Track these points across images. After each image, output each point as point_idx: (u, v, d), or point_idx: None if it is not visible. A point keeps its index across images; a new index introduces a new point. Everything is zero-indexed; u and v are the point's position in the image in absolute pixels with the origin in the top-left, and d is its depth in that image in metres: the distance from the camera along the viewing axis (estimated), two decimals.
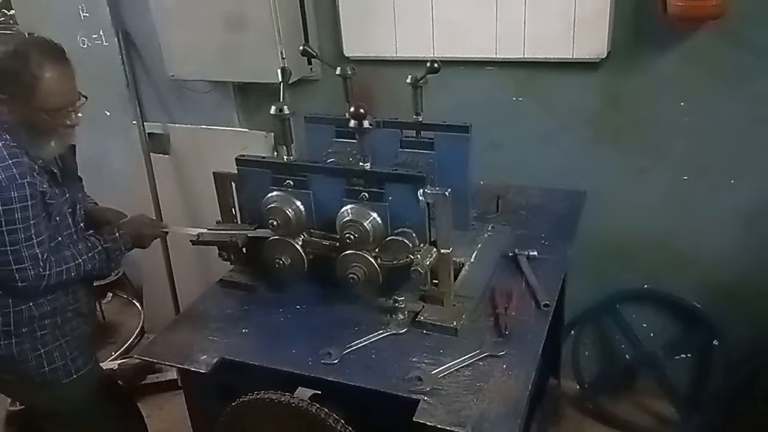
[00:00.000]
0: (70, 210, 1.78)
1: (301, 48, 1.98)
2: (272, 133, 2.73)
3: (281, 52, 2.35)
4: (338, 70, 1.89)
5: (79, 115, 1.69)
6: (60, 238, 1.72)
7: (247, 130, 2.81)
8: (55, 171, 1.73)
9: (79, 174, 1.92)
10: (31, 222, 1.61)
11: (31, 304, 1.72)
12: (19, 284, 1.63)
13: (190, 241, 1.79)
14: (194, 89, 2.78)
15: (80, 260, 1.72)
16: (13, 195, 1.57)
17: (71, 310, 1.82)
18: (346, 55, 2.45)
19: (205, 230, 1.78)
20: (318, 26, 2.50)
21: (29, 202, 1.59)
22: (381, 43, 2.38)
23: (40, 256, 1.63)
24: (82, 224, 1.84)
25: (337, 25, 2.44)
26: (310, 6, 2.46)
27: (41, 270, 1.64)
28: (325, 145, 1.97)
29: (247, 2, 2.33)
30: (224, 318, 1.70)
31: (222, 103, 2.80)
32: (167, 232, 1.99)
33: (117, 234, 1.82)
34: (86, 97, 1.70)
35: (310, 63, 2.53)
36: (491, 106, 2.31)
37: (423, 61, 1.83)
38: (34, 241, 1.62)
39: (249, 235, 1.74)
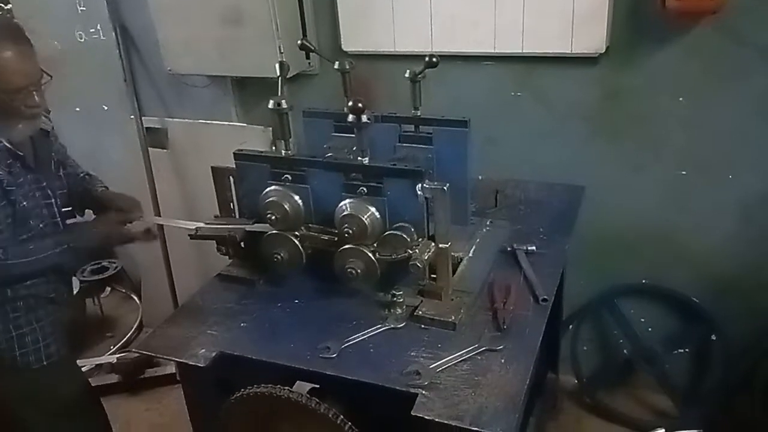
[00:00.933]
0: (45, 201, 1.75)
1: (299, 42, 1.98)
2: (270, 128, 2.72)
3: (279, 47, 2.35)
4: (336, 65, 1.89)
5: (43, 96, 1.64)
6: (31, 225, 1.69)
7: (245, 124, 2.81)
8: (22, 154, 1.68)
9: (68, 162, 1.92)
10: None
11: (5, 287, 1.70)
12: None
13: (188, 235, 1.78)
14: (192, 84, 2.77)
15: (43, 255, 1.68)
16: None
17: (46, 298, 1.80)
18: (344, 49, 2.45)
19: (203, 224, 1.78)
20: (316, 20, 2.49)
21: None
22: (379, 38, 2.37)
23: None
24: (59, 218, 1.80)
25: (335, 19, 2.43)
26: (308, 0, 2.45)
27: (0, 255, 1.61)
28: (323, 139, 1.96)
29: None
30: (223, 312, 1.70)
31: (220, 98, 2.79)
32: (149, 231, 1.91)
33: (88, 232, 1.79)
34: (51, 76, 1.65)
35: (308, 57, 2.52)
36: (490, 100, 2.31)
37: (421, 56, 1.83)
38: None
39: (247, 229, 1.73)
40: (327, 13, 2.46)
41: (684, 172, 2.22)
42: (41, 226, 1.73)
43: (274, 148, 2.71)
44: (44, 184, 1.75)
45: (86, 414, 2.04)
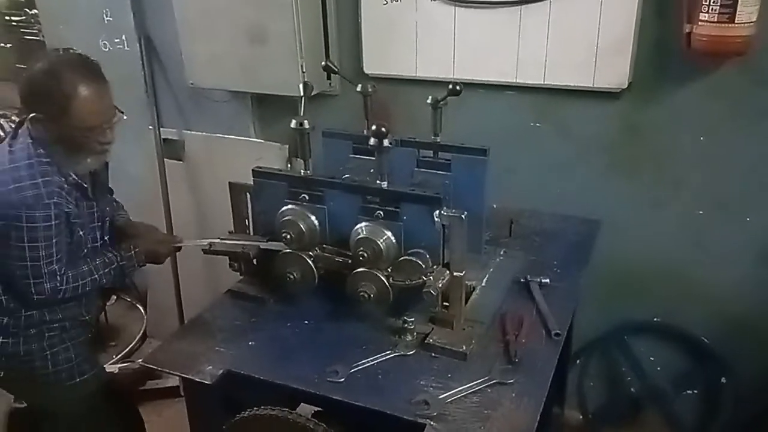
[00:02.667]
0: (99, 224, 1.79)
1: (323, 63, 1.99)
2: (287, 146, 2.74)
3: (302, 66, 2.36)
4: (359, 87, 1.90)
5: (114, 131, 1.68)
6: (85, 251, 1.74)
7: (262, 141, 2.82)
8: (86, 185, 1.72)
9: (109, 185, 1.93)
10: (53, 240, 1.62)
11: (44, 310, 1.73)
12: (35, 297, 1.65)
13: (202, 249, 1.78)
14: (212, 98, 2.79)
15: (96, 276, 1.73)
16: (38, 214, 1.57)
17: (80, 319, 1.84)
18: (366, 72, 2.46)
19: (217, 240, 1.78)
20: (339, 42, 2.51)
21: (53, 222, 1.60)
22: (401, 62, 2.38)
23: (57, 271, 1.64)
24: (107, 237, 1.85)
25: (358, 41, 2.45)
26: (332, 21, 2.47)
27: (58, 284, 1.65)
28: (341, 160, 1.96)
29: (270, 15, 2.34)
30: (231, 329, 1.68)
31: (239, 113, 2.81)
32: (180, 248, 1.97)
33: (132, 251, 1.82)
34: (122, 112, 1.69)
35: (329, 78, 2.53)
36: (509, 130, 2.30)
37: (442, 82, 1.83)
38: (54, 258, 1.63)
39: (261, 246, 1.73)
40: (351, 35, 2.47)
41: (701, 212, 2.20)
42: (89, 248, 1.76)
43: (289, 165, 2.73)
44: (96, 209, 1.79)
45: (119, 422, 2.08)
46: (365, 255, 1.56)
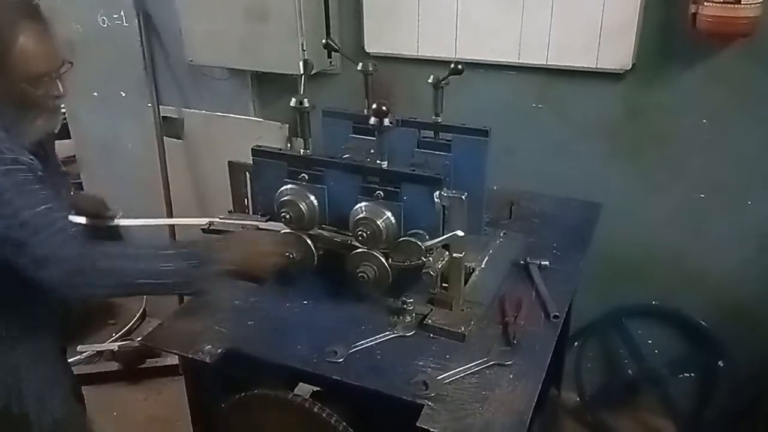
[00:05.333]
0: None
1: (323, 41, 1.96)
2: (287, 125, 2.72)
3: (302, 44, 2.34)
4: (360, 66, 1.87)
5: (65, 83, 1.40)
6: None
7: (261, 119, 2.80)
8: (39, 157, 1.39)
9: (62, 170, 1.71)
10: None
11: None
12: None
13: (201, 229, 1.77)
14: (211, 75, 2.77)
15: (142, 264, 1.39)
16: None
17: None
18: (367, 50, 2.43)
19: (216, 219, 1.77)
20: (340, 20, 2.48)
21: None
22: (403, 41, 2.36)
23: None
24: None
25: (359, 19, 2.42)
26: None
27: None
28: (341, 139, 1.94)
29: None
30: (231, 309, 1.68)
31: (238, 91, 2.78)
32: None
33: (220, 253, 1.44)
34: (71, 63, 1.42)
35: (330, 56, 2.51)
36: (510, 110, 2.28)
37: (444, 62, 1.80)
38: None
39: (260, 226, 1.72)
40: (352, 13, 2.44)
41: (702, 195, 2.19)
42: None
43: (289, 145, 2.71)
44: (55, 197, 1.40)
45: None
46: (364, 235, 1.55)
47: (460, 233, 1.49)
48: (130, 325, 3.17)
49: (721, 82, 2.02)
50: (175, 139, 2.95)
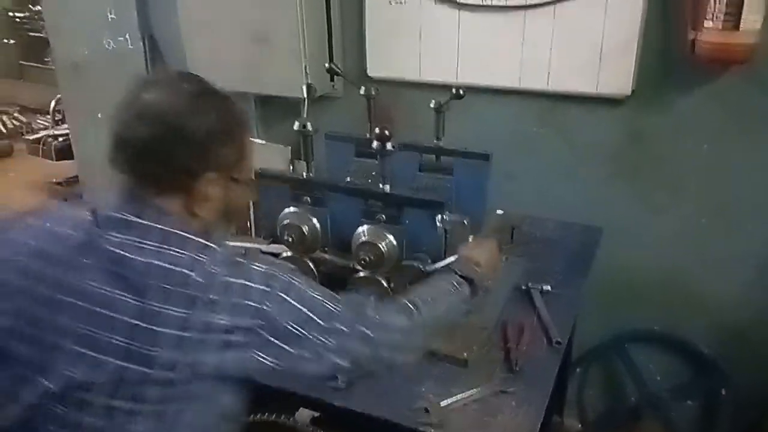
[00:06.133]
0: None
1: (327, 66, 1.99)
2: (289, 147, 2.73)
3: (305, 68, 2.36)
4: (362, 90, 1.89)
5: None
6: None
7: (264, 141, 2.81)
8: None
9: None
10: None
11: None
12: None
13: None
14: None
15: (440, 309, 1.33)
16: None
17: None
18: (369, 74, 2.45)
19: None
20: (343, 44, 2.51)
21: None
22: (405, 65, 2.38)
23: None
24: None
25: (362, 43, 2.45)
26: (336, 23, 2.46)
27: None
28: (343, 163, 1.96)
29: (274, 16, 2.34)
30: None
31: None
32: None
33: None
34: None
35: (332, 80, 2.53)
36: (511, 135, 2.30)
37: (446, 86, 1.82)
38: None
39: (263, 249, 1.72)
40: (354, 37, 2.47)
41: (703, 220, 2.19)
42: None
43: (292, 167, 2.72)
44: None
45: None
46: (367, 259, 1.55)
47: None
48: None
49: (720, 106, 2.03)
50: None
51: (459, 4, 2.21)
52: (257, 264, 1.11)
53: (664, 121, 2.12)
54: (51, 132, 4.10)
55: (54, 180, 4.55)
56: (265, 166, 1.77)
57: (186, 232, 1.07)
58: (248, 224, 1.84)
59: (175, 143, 1.05)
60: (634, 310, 2.40)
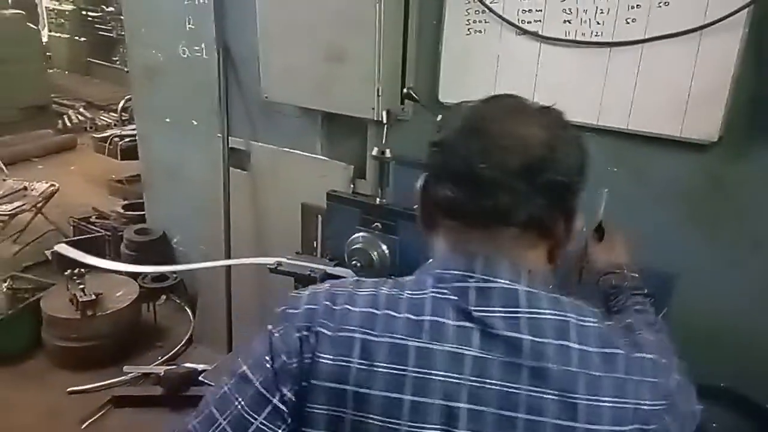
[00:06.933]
0: None
1: (404, 90, 1.97)
2: (352, 166, 2.73)
3: (378, 90, 2.35)
4: (439, 117, 1.86)
5: None
6: None
7: (327, 158, 2.81)
8: None
9: None
10: None
11: None
12: None
13: (269, 269, 1.77)
14: (283, 112, 2.81)
15: None
16: None
17: None
18: (441, 100, 2.43)
19: (284, 259, 1.76)
20: (417, 67, 2.49)
21: None
22: (479, 94, 2.31)
23: None
24: None
25: (436, 68, 2.42)
26: (412, 47, 2.45)
27: None
28: (409, 188, 1.93)
29: (351, 35, 2.34)
30: None
31: (307, 129, 2.81)
32: None
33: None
34: None
35: (402, 102, 2.51)
36: None
37: None
38: None
39: (328, 271, 1.70)
40: (429, 61, 2.45)
41: None
42: None
43: (352, 186, 2.71)
44: None
45: None
46: None
47: None
48: (176, 349, 3.18)
49: None
50: (240, 170, 2.99)
51: (541, 36, 2.17)
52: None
53: (751, 172, 2.02)
54: (118, 131, 4.23)
55: (114, 177, 4.68)
56: (326, 184, 1.76)
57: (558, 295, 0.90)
58: (314, 244, 1.82)
59: (560, 180, 0.90)
60: (701, 363, 2.25)
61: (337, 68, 2.41)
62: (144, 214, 3.70)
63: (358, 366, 0.83)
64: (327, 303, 0.90)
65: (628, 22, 2.04)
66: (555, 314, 0.86)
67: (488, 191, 0.87)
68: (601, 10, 2.07)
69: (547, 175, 0.88)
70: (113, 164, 4.39)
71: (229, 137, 2.96)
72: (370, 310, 0.89)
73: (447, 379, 0.82)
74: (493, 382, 0.82)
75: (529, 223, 0.89)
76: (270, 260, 1.76)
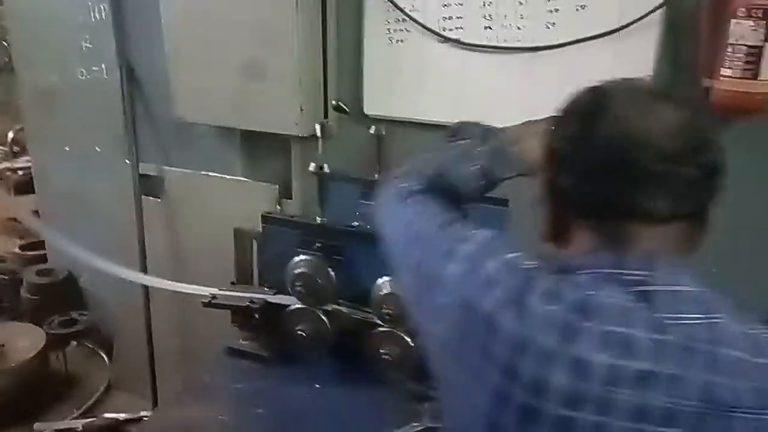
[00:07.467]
0: None
1: (333, 103, 1.89)
2: (277, 185, 2.59)
3: (301, 105, 2.24)
4: (372, 129, 1.79)
5: None
6: None
7: (248, 180, 2.66)
8: None
9: None
10: None
11: None
12: None
13: (202, 303, 1.61)
14: (197, 132, 2.63)
15: None
16: None
17: None
18: (366, 112, 2.35)
19: (218, 291, 1.61)
20: (339, 80, 2.41)
21: None
22: (404, 104, 2.28)
23: None
24: None
25: (359, 81, 2.35)
26: (332, 58, 2.37)
27: None
28: (348, 206, 1.84)
29: (268, 51, 2.23)
30: (234, 394, 1.52)
31: (225, 150, 2.64)
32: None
33: None
34: None
35: (326, 117, 2.42)
36: (519, 178, 2.22)
37: (447, 127, 1.74)
38: None
39: (270, 300, 1.58)
40: (351, 73, 2.37)
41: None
42: None
43: (279, 207, 2.58)
44: None
45: None
46: (390, 312, 1.43)
47: None
48: (94, 399, 2.89)
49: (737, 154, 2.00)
50: (153, 198, 2.78)
51: (463, 43, 2.15)
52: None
53: None
54: (9, 164, 3.85)
55: (8, 216, 4.27)
56: (250, 207, 1.64)
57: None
58: (250, 272, 1.69)
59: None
60: None
61: (255, 84, 2.28)
62: (45, 254, 3.37)
63: None
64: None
65: (548, 27, 2.06)
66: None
67: (652, 182, 0.81)
68: (521, 15, 2.08)
69: (710, 156, 0.84)
70: (5, 201, 4.00)
71: (139, 163, 2.74)
72: None
73: None
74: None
75: (694, 214, 0.85)
76: (204, 291, 1.61)
